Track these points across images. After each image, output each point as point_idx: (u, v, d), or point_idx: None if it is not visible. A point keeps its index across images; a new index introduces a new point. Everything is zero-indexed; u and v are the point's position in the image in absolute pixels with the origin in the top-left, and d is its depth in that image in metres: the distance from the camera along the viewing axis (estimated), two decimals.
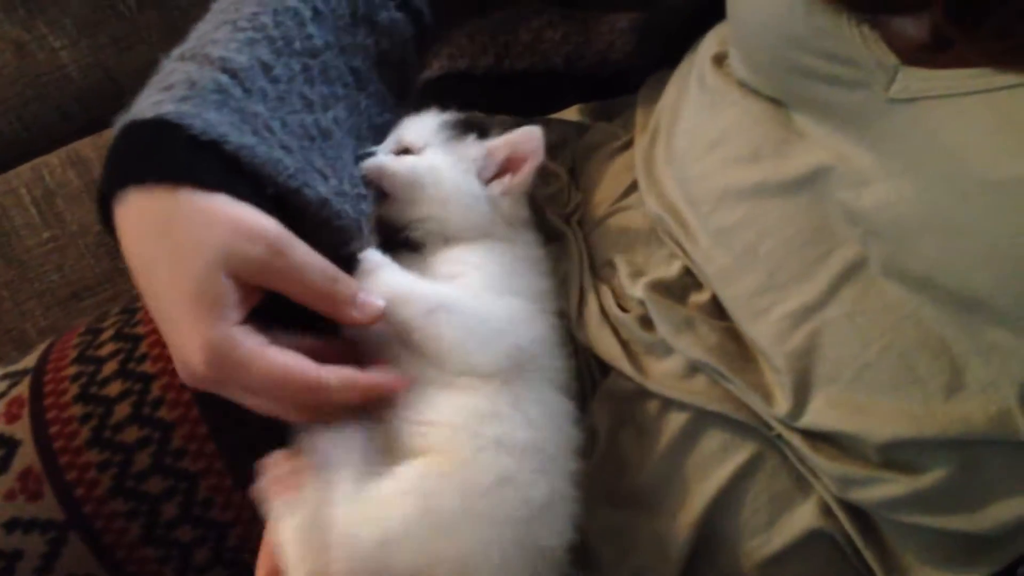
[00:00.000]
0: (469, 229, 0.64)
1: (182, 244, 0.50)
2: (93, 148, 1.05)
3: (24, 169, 1.05)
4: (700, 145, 0.64)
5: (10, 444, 0.62)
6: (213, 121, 0.53)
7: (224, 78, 0.55)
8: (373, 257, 0.58)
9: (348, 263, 0.57)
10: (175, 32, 1.12)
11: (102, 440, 0.62)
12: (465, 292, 0.60)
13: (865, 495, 0.57)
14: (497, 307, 0.60)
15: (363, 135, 0.64)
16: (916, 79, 0.53)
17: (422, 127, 0.66)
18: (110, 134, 1.05)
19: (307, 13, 0.60)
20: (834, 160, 0.58)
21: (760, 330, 0.60)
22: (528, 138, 0.65)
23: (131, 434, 0.62)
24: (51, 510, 0.62)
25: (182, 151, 0.52)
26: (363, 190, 0.61)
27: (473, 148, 0.66)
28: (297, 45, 0.59)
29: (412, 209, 0.64)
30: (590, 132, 0.78)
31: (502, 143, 0.66)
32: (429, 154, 0.64)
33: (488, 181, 0.65)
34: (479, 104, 0.87)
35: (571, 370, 0.63)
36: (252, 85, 0.56)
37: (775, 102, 0.61)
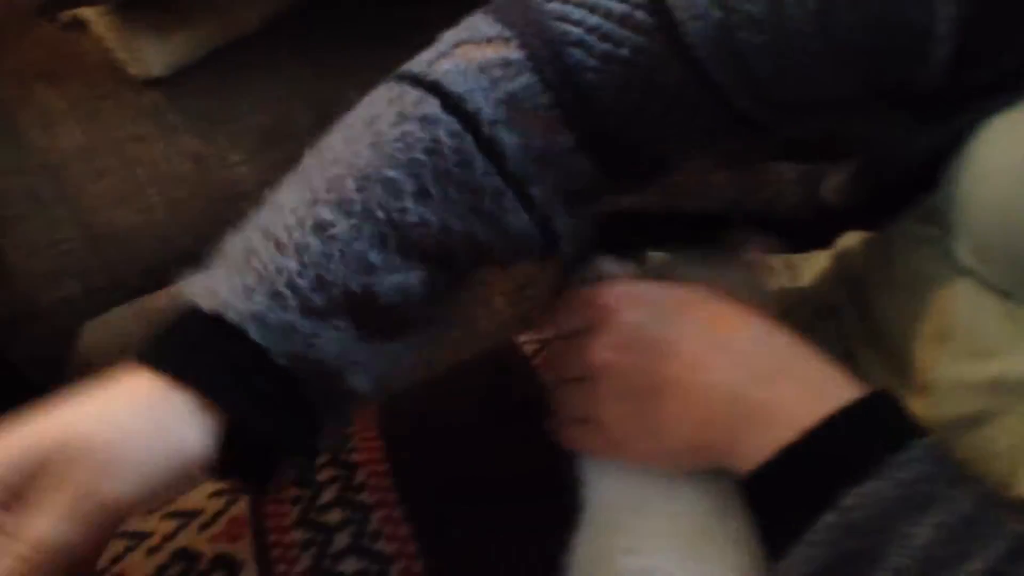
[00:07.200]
0: None
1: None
2: None
3: None
4: (920, 332, 0.60)
5: (233, 565, 0.63)
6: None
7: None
8: None
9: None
10: None
11: (321, 570, 0.62)
12: None
13: None
14: None
15: None
16: None
17: None
18: None
19: (409, 188, 0.53)
20: None
21: None
22: None
23: (350, 565, 0.62)
24: None
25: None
26: None
27: None
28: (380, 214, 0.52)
29: None
30: None
31: None
32: None
33: None
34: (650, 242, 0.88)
35: None
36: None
37: (1004, 293, 0.55)
